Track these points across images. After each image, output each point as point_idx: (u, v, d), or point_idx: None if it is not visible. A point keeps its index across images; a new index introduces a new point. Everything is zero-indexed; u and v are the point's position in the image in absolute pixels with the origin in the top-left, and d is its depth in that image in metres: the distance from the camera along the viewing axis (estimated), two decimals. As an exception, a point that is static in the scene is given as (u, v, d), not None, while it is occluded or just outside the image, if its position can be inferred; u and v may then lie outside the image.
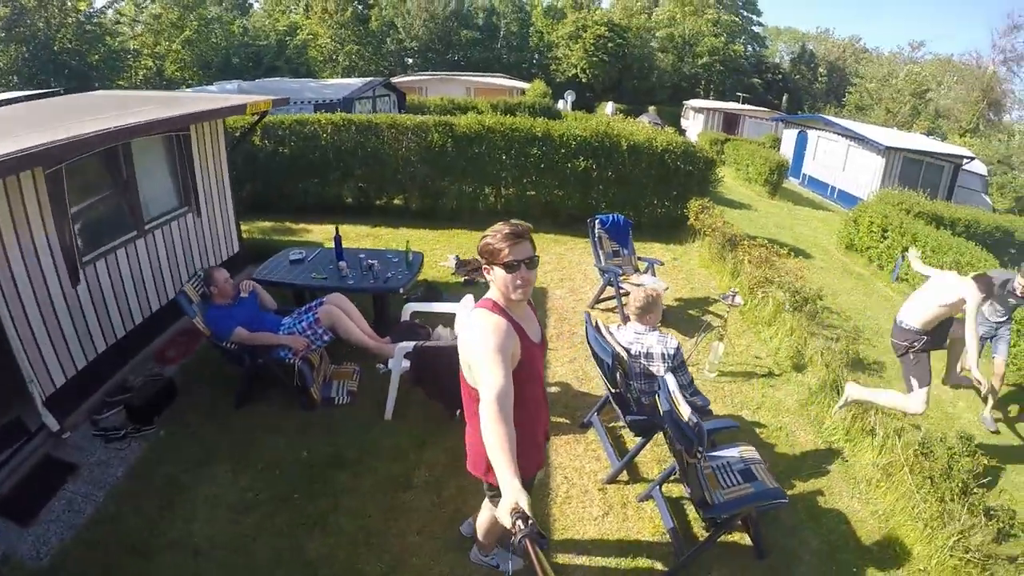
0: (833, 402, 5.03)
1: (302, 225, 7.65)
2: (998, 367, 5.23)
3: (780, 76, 45.53)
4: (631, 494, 3.74)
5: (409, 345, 3.78)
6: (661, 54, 42.22)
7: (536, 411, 2.31)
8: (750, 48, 43.51)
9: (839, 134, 18.55)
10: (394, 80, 20.36)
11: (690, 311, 6.58)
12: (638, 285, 5.95)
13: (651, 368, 3.60)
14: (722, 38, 41.65)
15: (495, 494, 2.03)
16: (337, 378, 4.16)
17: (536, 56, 41.10)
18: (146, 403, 3.63)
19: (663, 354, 3.58)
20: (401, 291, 4.61)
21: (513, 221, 2.07)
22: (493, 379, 1.81)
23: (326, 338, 3.98)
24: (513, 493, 1.51)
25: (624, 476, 3.86)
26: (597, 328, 3.74)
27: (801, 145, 20.47)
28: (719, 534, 3.21)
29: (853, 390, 4.65)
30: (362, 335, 4.10)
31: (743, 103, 31.98)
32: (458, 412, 3.98)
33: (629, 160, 8.42)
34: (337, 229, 4.93)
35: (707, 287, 7.34)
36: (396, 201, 8.43)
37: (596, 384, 4.76)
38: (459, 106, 17.91)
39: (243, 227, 6.58)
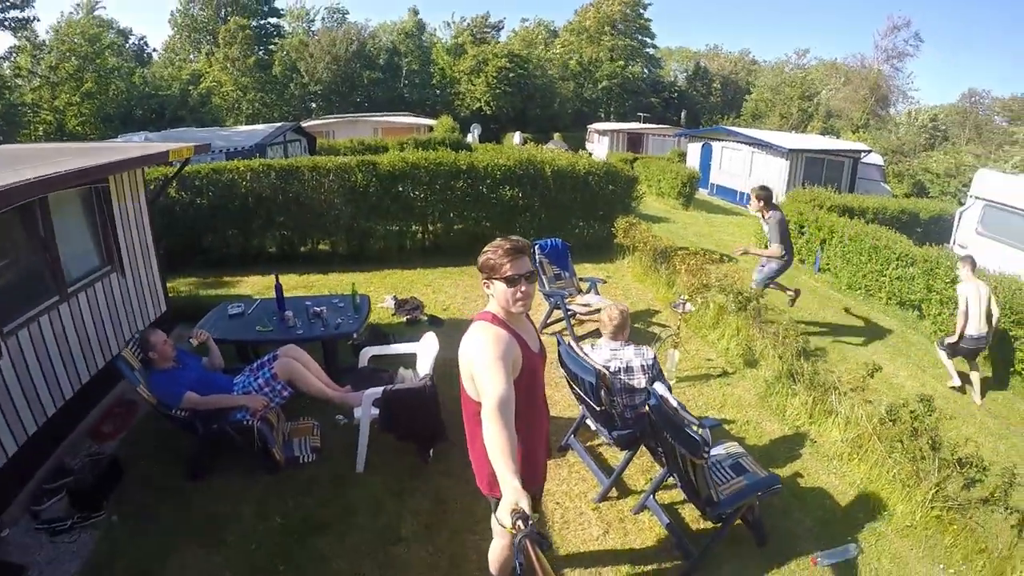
0: (790, 392, 5.41)
1: (227, 278, 7.37)
2: None
3: (676, 94, 49.25)
4: (625, 508, 3.83)
5: (378, 391, 3.72)
6: (562, 81, 44.60)
7: (540, 420, 2.44)
8: (647, 70, 46.69)
9: (742, 142, 20.18)
10: (303, 124, 20.39)
11: (636, 324, 6.85)
12: (585, 305, 6.18)
13: (632, 382, 3.78)
14: (620, 62, 44.56)
15: None
16: (297, 435, 3.99)
17: (438, 92, 42.33)
18: (90, 487, 3.29)
19: (643, 366, 3.78)
20: (354, 336, 4.54)
21: (512, 237, 2.19)
22: (494, 386, 1.91)
23: (285, 394, 3.83)
24: (514, 494, 1.58)
25: (613, 492, 3.94)
26: (570, 348, 3.85)
27: (706, 156, 22.03)
28: (727, 528, 3.35)
29: None
30: (323, 387, 3.98)
31: (644, 122, 34.37)
32: (431, 453, 3.97)
33: (554, 185, 8.79)
34: (277, 278, 4.79)
35: (646, 299, 7.70)
36: (322, 246, 8.32)
37: (563, 407, 4.85)
38: (369, 147, 18.19)
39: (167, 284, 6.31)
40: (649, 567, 3.35)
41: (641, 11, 46.04)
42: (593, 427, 4.10)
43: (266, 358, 3.91)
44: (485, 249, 2.17)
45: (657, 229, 11.93)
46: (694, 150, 23.19)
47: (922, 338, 8.14)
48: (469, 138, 27.06)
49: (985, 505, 3.80)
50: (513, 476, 1.66)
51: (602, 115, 43.04)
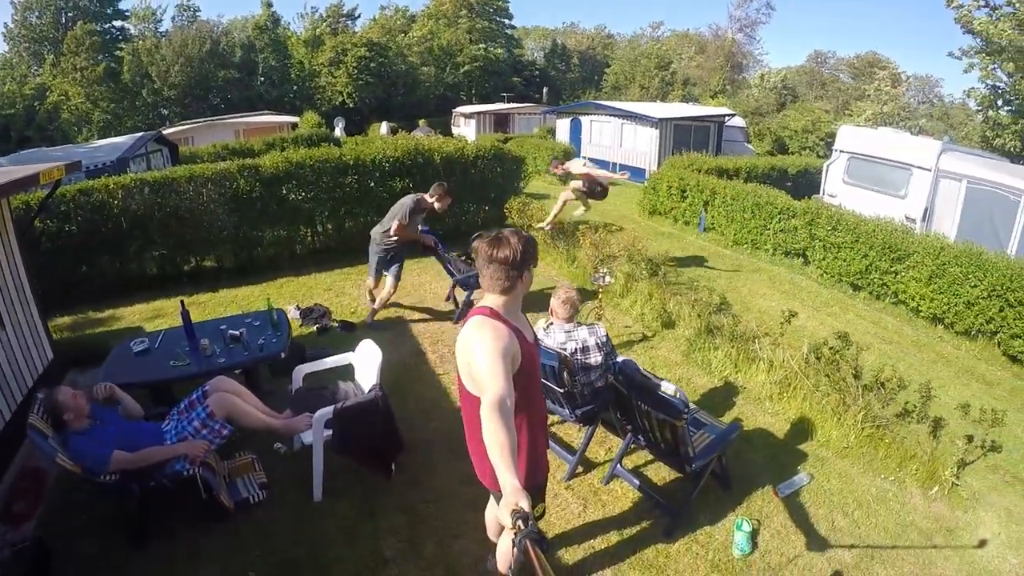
0: (711, 346, 5.94)
1: (110, 311, 6.64)
2: None
3: (537, 72, 50.82)
4: (595, 481, 4.03)
5: (328, 410, 3.60)
6: (424, 67, 44.84)
7: (541, 409, 2.54)
8: (506, 51, 47.87)
9: (611, 115, 21.34)
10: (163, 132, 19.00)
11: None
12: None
13: (589, 361, 3.97)
14: (480, 45, 45.35)
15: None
16: (238, 474, 3.75)
17: (297, 87, 41.35)
18: (21, 581, 2.90)
19: (597, 344, 3.99)
20: (282, 356, 4.34)
21: (511, 229, 2.31)
22: (494, 385, 1.97)
23: (225, 432, 3.57)
24: (513, 493, 1.63)
25: (579, 468, 4.12)
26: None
27: (576, 131, 23.05)
28: (701, 480, 3.65)
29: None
30: (264, 417, 3.77)
31: (508, 102, 35.35)
32: (393, 467, 3.93)
33: (445, 172, 8.85)
34: (183, 304, 4.41)
35: (549, 276, 7.98)
36: (207, 263, 7.75)
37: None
38: (235, 151, 17.34)
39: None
40: (634, 530, 3.58)
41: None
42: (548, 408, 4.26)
43: (194, 396, 3.62)
44: (521, 243, 2.22)
45: (539, 206, 12.43)
46: (563, 126, 24.13)
47: (811, 282, 9.19)
48: (336, 132, 26.66)
49: (906, 417, 4.47)
50: (513, 475, 1.72)
51: (464, 98, 43.63)
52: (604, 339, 4.03)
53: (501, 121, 31.40)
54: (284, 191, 7.69)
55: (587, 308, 6.34)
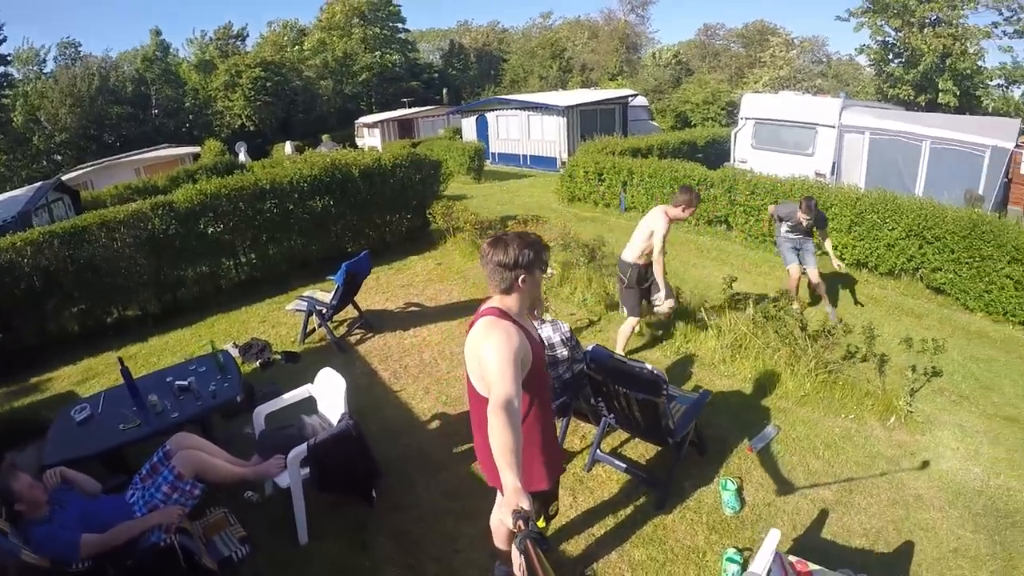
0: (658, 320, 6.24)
1: (35, 380, 6.16)
2: (813, 276, 6.81)
3: (436, 74, 51.04)
4: (577, 470, 4.15)
5: (302, 448, 3.57)
6: (321, 81, 44.43)
7: (550, 406, 2.65)
8: (402, 56, 47.82)
9: (517, 108, 21.81)
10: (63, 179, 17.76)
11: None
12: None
13: (555, 355, 4.11)
14: (375, 52, 45.13)
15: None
16: (214, 532, 3.64)
17: (193, 116, 40.25)
18: None
19: (562, 340, 4.16)
20: (238, 400, 4.25)
21: (526, 232, 2.42)
22: (503, 386, 2.05)
23: (197, 492, 3.43)
24: (515, 493, 1.72)
25: (561, 460, 4.29)
26: None
27: (483, 128, 23.43)
28: (683, 450, 3.87)
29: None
30: (234, 468, 3.66)
31: (411, 107, 35.44)
32: (375, 495, 3.93)
33: (364, 186, 8.85)
34: (121, 361, 4.18)
35: (483, 279, 8.11)
36: (131, 312, 7.38)
37: (463, 402, 4.99)
38: (138, 190, 16.69)
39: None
40: (628, 510, 3.74)
41: (387, -3, 47.03)
42: None
43: (155, 458, 3.48)
44: (527, 245, 2.31)
45: (464, 206, 12.59)
46: (469, 124, 24.46)
47: (736, 246, 9.77)
48: (240, 157, 26.01)
49: (853, 359, 4.92)
50: (515, 476, 1.79)
51: (364, 108, 43.34)
52: (568, 334, 4.19)
53: (405, 127, 31.41)
54: (202, 225, 7.45)
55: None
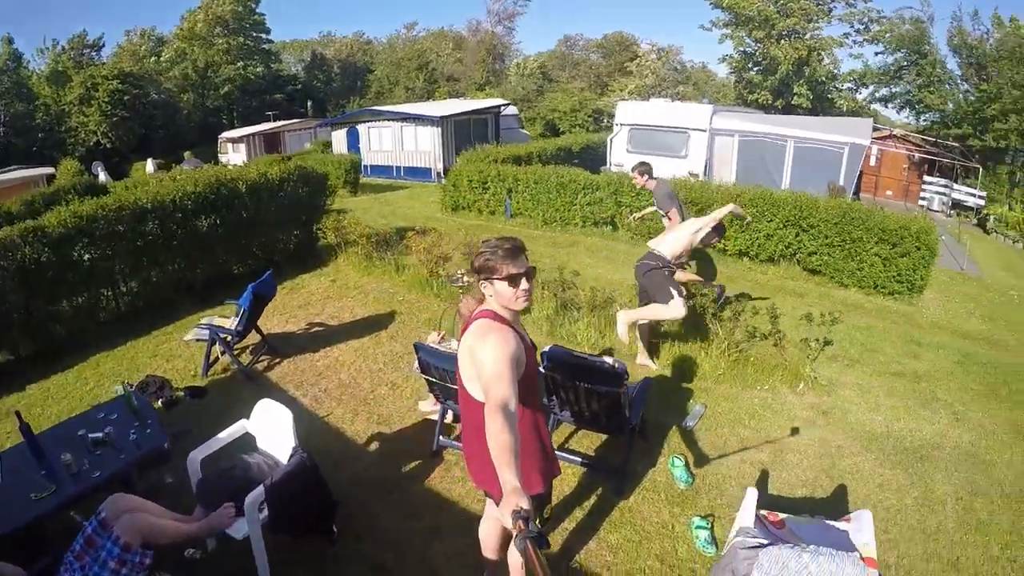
0: (571, 319, 6.47)
1: None
2: None
3: (300, 85, 49.26)
4: None
5: (260, 491, 3.28)
6: (181, 94, 41.47)
7: (542, 411, 2.64)
8: (266, 67, 45.70)
9: (390, 119, 21.63)
10: None
11: (400, 314, 7.11)
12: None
13: None
14: (237, 63, 42.77)
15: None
16: (159, 596, 3.27)
17: (44, 133, 35.92)
18: None
19: None
20: (166, 446, 3.83)
21: (506, 236, 2.35)
22: (500, 389, 2.06)
23: (148, 562, 2.95)
24: (514, 494, 1.71)
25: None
26: (437, 350, 4.04)
27: (354, 140, 22.98)
28: (634, 436, 4.06)
29: (623, 316, 5.64)
30: (181, 526, 3.25)
31: (275, 120, 34.00)
32: (336, 529, 3.70)
33: (251, 202, 8.38)
34: (19, 415, 3.62)
35: (383, 290, 7.91)
36: (0, 357, 6.46)
37: (408, 418, 4.91)
38: None
39: None
40: (591, 500, 3.85)
41: (253, 6, 44.36)
42: None
43: (89, 530, 2.94)
44: (481, 251, 2.31)
45: (356, 219, 12.32)
46: (339, 137, 23.89)
47: (624, 245, 10.30)
48: (101, 178, 23.64)
49: (753, 338, 5.44)
50: (514, 476, 1.78)
51: (227, 122, 40.98)
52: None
53: (272, 142, 30.00)
54: (76, 252, 6.64)
55: (450, 313, 6.44)
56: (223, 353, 5.89)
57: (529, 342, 2.49)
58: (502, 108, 23.60)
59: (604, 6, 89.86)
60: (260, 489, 3.23)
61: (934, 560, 3.44)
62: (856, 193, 12.57)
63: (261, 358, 6.14)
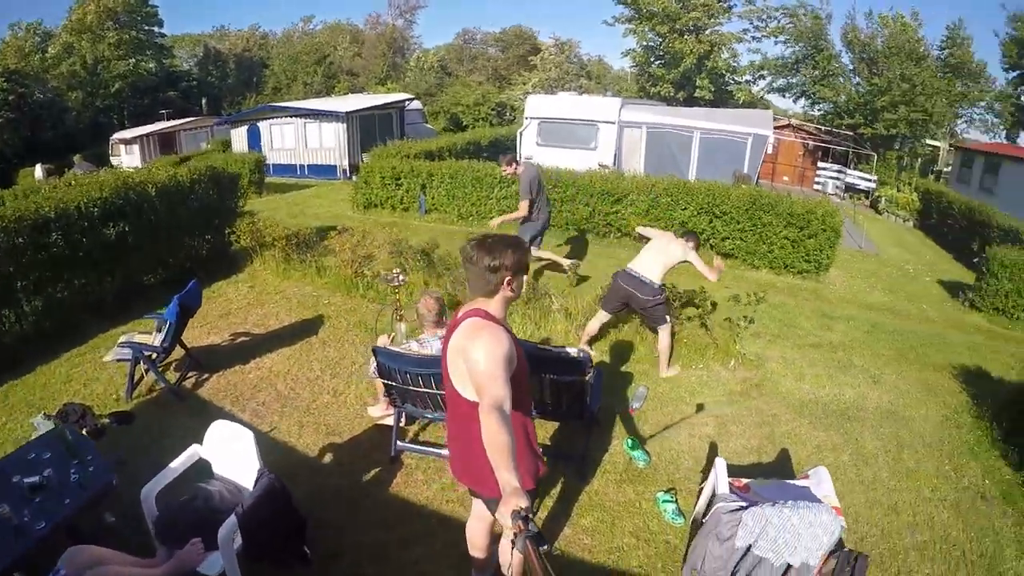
0: (507, 311, 6.55)
1: None
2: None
3: (194, 82, 46.38)
4: None
5: (232, 523, 3.08)
6: (70, 93, 38.05)
7: (529, 408, 2.66)
8: (157, 63, 42.67)
9: (292, 116, 20.87)
10: None
11: (330, 319, 6.90)
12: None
13: None
14: (130, 59, 39.69)
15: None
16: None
17: None
18: None
19: None
20: (114, 483, 3.49)
21: (499, 233, 2.46)
22: (494, 387, 2.08)
23: None
24: (514, 494, 1.72)
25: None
26: (394, 352, 3.96)
27: (255, 139, 21.93)
28: (593, 421, 4.22)
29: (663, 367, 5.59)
30: (148, 572, 3.00)
31: (168, 119, 31.93)
32: (307, 550, 3.57)
33: (162, 207, 7.89)
34: None
35: (305, 294, 7.67)
36: None
37: (358, 425, 4.79)
38: None
39: None
40: (557, 489, 3.94)
41: (146, -1, 41.14)
42: (428, 417, 4.30)
43: None
44: (507, 249, 2.32)
45: (275, 221, 11.83)
46: (239, 135, 22.73)
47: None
48: None
49: (681, 319, 5.76)
50: (513, 476, 1.79)
51: (118, 122, 37.90)
52: None
53: (167, 142, 28.00)
54: None
55: (385, 314, 6.33)
56: (147, 372, 5.49)
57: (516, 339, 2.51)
58: (407, 103, 23.31)
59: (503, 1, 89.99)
60: (232, 520, 3.00)
61: (876, 507, 3.87)
62: (756, 180, 13.49)
63: (189, 375, 5.74)
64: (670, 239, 5.55)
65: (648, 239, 5.67)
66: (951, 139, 27.39)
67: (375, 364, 4.09)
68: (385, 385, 4.18)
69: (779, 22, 26.92)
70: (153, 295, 6.74)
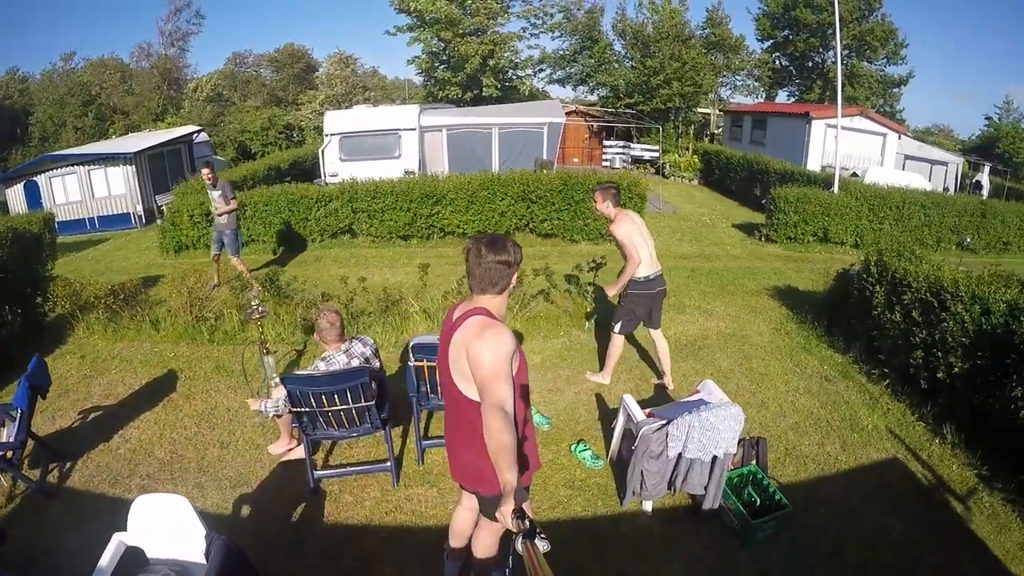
0: (366, 324, 6.48)
1: None
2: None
3: (-52, 139, 37.71)
4: (418, 468, 4.25)
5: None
6: None
7: (526, 405, 2.57)
8: None
9: (75, 164, 18.12)
10: None
11: (189, 362, 6.35)
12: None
13: (374, 366, 4.11)
14: None
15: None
16: None
17: None
18: None
19: (374, 351, 4.20)
20: None
21: (491, 233, 2.49)
22: (498, 387, 2.07)
23: None
24: (516, 495, 1.75)
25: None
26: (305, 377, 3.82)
27: (34, 196, 18.73)
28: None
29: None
30: None
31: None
32: None
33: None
34: None
35: (154, 342, 6.87)
36: None
37: (261, 469, 4.45)
38: None
39: None
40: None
41: None
42: (334, 437, 4.18)
43: None
44: (513, 248, 2.33)
45: (107, 279, 10.34)
46: (15, 194, 19.17)
47: (367, 250, 10.56)
48: None
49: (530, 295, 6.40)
50: (515, 477, 1.81)
51: None
52: (374, 345, 4.23)
53: (-78, 209, 22.86)
54: None
55: (250, 351, 5.92)
56: (2, 471, 4.62)
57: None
58: (194, 135, 21.50)
59: (273, 19, 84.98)
60: (218, 558, 2.75)
61: (748, 408, 4.69)
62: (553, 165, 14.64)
63: (51, 467, 4.81)
64: (638, 219, 4.93)
65: (633, 239, 4.81)
66: (719, 104, 31.96)
67: (282, 397, 3.86)
68: (296, 415, 3.93)
69: (555, 18, 29.21)
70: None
